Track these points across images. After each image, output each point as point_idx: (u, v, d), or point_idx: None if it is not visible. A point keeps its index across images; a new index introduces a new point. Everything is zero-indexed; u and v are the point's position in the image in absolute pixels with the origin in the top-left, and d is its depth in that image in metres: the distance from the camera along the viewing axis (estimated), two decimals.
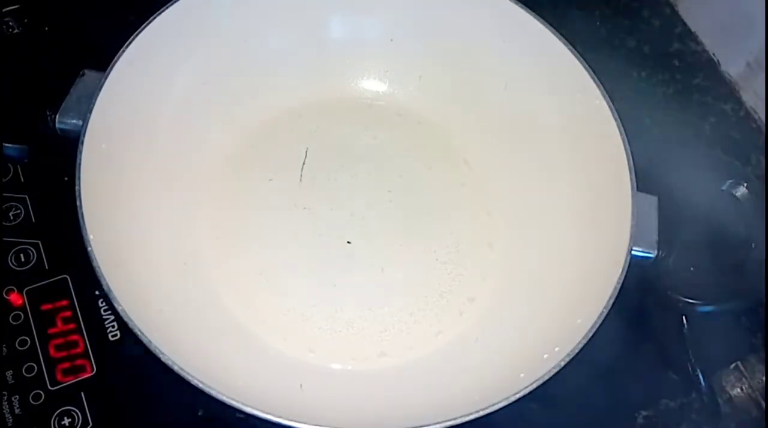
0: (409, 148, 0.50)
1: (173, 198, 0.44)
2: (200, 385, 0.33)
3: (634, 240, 0.39)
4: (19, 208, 0.45)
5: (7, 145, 0.42)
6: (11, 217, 0.45)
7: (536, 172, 0.47)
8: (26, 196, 0.46)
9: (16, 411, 0.39)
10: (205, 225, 0.45)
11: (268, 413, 0.33)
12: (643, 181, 0.41)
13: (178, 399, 0.40)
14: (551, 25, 0.45)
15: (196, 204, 0.46)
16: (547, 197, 0.46)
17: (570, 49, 0.44)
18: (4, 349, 0.41)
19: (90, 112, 0.39)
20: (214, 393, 0.33)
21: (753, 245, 0.44)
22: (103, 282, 0.35)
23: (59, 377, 0.41)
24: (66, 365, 0.41)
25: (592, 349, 0.36)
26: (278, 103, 0.50)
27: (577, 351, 0.35)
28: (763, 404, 0.44)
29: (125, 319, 0.34)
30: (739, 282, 0.43)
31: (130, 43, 0.42)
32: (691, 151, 0.53)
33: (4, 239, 0.44)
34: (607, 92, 0.43)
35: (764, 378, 0.44)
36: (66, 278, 0.43)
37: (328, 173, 0.49)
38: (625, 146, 0.42)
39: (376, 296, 0.45)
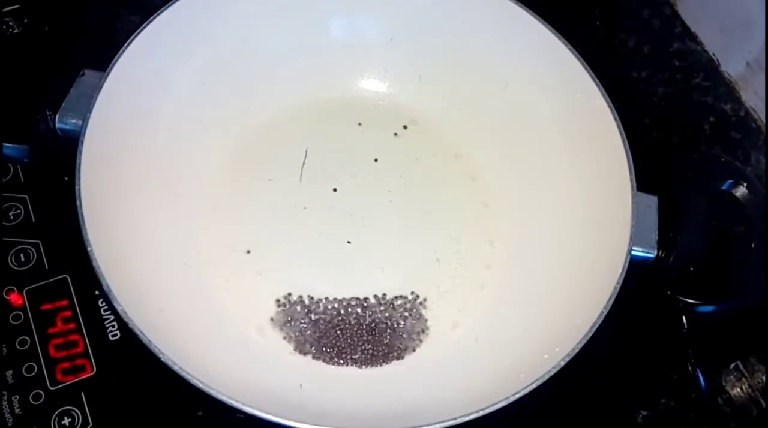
0: (409, 147, 0.50)
1: (173, 198, 0.44)
2: (200, 385, 0.33)
3: (634, 240, 0.39)
4: (19, 208, 0.45)
5: (7, 145, 0.42)
6: (11, 217, 0.45)
7: (536, 171, 0.47)
8: (26, 196, 0.46)
9: (16, 411, 0.39)
10: (204, 225, 0.45)
11: (268, 413, 0.33)
12: (643, 181, 0.41)
13: (178, 399, 0.40)
14: (551, 24, 0.45)
15: (196, 203, 0.46)
16: (548, 197, 0.46)
17: (570, 49, 0.44)
18: (4, 349, 0.41)
19: (90, 112, 0.40)
20: (214, 393, 0.33)
21: (753, 245, 0.44)
22: (103, 282, 0.35)
23: (59, 377, 0.41)
24: (66, 365, 0.41)
25: (592, 349, 0.36)
26: (278, 103, 0.50)
27: (576, 351, 0.36)
28: (763, 404, 0.44)
29: (125, 319, 0.34)
30: (739, 282, 0.43)
31: (130, 43, 0.42)
32: (691, 151, 0.53)
33: (4, 239, 0.44)
34: (607, 92, 0.43)
35: (764, 378, 0.44)
36: (66, 278, 0.43)
37: (328, 173, 0.49)
38: (625, 146, 0.42)
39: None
